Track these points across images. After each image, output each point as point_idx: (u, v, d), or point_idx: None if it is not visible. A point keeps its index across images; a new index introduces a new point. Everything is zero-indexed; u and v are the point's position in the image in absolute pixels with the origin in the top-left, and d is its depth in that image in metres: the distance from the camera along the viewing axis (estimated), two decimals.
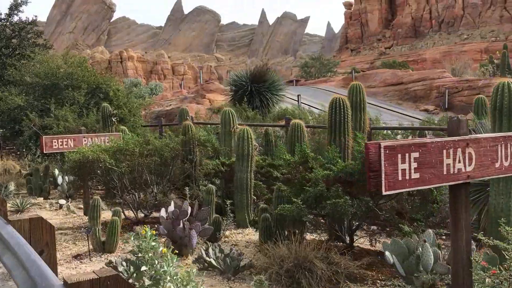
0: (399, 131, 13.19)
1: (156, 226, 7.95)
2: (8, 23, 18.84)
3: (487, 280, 3.34)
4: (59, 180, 10.58)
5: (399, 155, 2.58)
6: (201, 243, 6.66)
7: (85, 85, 14.41)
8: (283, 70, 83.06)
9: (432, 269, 4.18)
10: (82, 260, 6.09)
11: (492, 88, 4.80)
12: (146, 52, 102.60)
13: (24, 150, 13.88)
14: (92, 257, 6.19)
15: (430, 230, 4.29)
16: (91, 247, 6.29)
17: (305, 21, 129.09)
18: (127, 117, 14.50)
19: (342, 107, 7.51)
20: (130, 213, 8.41)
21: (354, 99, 7.73)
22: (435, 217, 5.67)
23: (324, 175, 5.50)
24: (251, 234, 7.49)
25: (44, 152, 8.69)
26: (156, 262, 3.99)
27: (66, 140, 8.66)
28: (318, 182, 5.51)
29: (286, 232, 6.17)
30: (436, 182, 2.83)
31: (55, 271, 4.06)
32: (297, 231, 6.60)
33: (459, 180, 3.00)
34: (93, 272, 2.45)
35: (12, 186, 11.34)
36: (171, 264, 3.60)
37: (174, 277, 3.61)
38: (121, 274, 4.00)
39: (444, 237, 5.83)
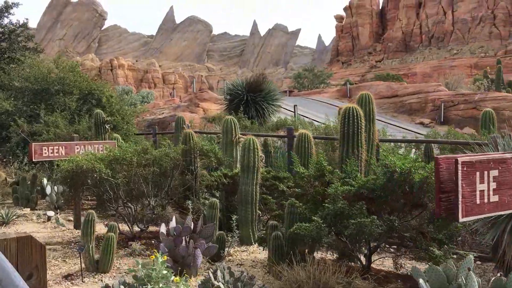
0: (402, 144, 12.81)
1: (153, 242, 7.39)
2: None
3: None
4: (48, 190, 9.94)
5: (477, 173, 2.12)
6: (204, 262, 6.13)
7: (77, 90, 13.82)
8: (274, 81, 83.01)
9: None
10: (73, 281, 5.50)
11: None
12: (137, 61, 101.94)
13: (11, 157, 13.18)
14: (84, 277, 5.60)
15: (471, 256, 3.82)
16: (83, 266, 5.71)
17: (296, 33, 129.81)
18: (120, 124, 13.92)
19: (355, 117, 7.10)
20: (124, 227, 7.83)
21: (363, 109, 7.35)
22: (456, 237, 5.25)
23: (345, 191, 5.03)
24: (257, 252, 6.97)
25: (33, 160, 8.09)
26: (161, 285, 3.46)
27: (57, 147, 8.07)
28: (337, 198, 5.03)
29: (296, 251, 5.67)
30: None
31: None
32: (307, 250, 6.13)
33: None
34: None
35: None
36: None
37: None
38: None
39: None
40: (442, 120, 25.00)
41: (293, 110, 24.89)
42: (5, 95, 14.10)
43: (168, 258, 5.76)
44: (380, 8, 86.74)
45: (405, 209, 4.97)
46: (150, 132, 17.87)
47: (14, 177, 14.33)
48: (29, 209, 10.24)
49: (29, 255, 3.90)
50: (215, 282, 4.79)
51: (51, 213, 9.09)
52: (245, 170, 7.32)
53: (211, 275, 4.92)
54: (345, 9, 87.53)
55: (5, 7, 18.03)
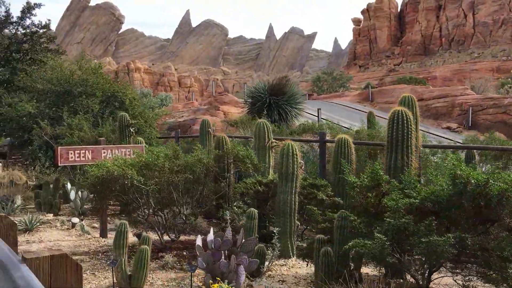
0: (439, 150, 12.15)
1: (184, 253, 6.93)
2: (20, 27, 18.02)
3: None
4: (72, 195, 9.58)
5: None
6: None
7: (100, 92, 13.50)
8: None
9: None
10: None
11: None
12: (153, 64, 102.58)
13: (32, 160, 12.90)
14: None
15: None
16: (115, 281, 5.27)
17: (312, 36, 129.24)
18: (142, 128, 13.56)
19: (405, 121, 6.57)
20: (152, 236, 7.39)
21: None
22: None
23: (406, 204, 4.49)
24: (297, 267, 6.46)
25: (60, 165, 7.72)
26: None
27: (84, 151, 7.68)
28: (398, 212, 4.50)
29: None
30: None
31: None
32: (352, 265, 5.60)
33: None
34: None
35: (19, 200, 10.34)
36: None
37: None
38: None
39: None
40: (470, 125, 24.15)
41: (314, 114, 24.33)
42: (27, 97, 13.87)
43: (207, 274, 5.31)
44: (399, 11, 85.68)
45: (477, 224, 4.41)
46: (172, 135, 17.50)
47: (34, 180, 14.08)
48: (52, 214, 9.89)
49: (63, 276, 3.43)
50: None
51: (75, 219, 8.71)
52: (284, 177, 6.82)
53: None
54: (362, 12, 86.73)
55: (27, 8, 17.89)
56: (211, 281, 5.04)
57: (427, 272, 5.06)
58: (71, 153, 7.52)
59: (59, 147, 7.50)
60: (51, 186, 10.69)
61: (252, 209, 6.29)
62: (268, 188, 7.56)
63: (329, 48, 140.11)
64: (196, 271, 5.54)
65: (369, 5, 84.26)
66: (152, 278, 5.78)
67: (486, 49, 70.88)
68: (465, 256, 4.69)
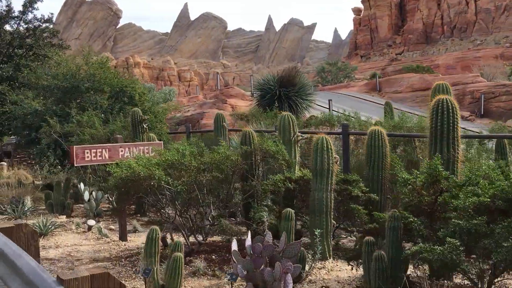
0: (474, 141, 11.59)
1: (213, 257, 6.48)
2: (22, 22, 17.43)
3: None
4: (86, 196, 9.11)
5: None
6: None
7: (108, 88, 12.99)
8: None
9: None
10: None
11: None
12: (152, 59, 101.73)
13: (40, 159, 12.41)
14: None
15: None
16: None
17: (311, 27, 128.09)
18: (153, 123, 13.07)
19: (450, 110, 6.12)
20: (176, 238, 6.93)
21: None
22: None
23: (475, 202, 4.03)
24: (336, 270, 6.01)
25: (76, 165, 7.24)
26: None
27: (100, 150, 7.20)
28: (466, 212, 4.03)
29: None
30: None
31: None
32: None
33: None
34: None
35: (28, 202, 9.89)
36: None
37: None
38: None
39: None
40: (482, 113, 23.66)
41: (323, 106, 23.83)
42: (33, 94, 13.35)
43: (248, 283, 4.85)
44: None
45: None
46: (180, 131, 17.01)
47: (41, 179, 13.60)
48: (64, 216, 9.45)
49: None
50: None
51: (92, 222, 8.26)
52: (318, 174, 6.34)
53: None
54: (363, 1, 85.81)
55: (29, 2, 17.28)
56: None
57: (488, 275, 4.61)
58: (87, 152, 7.04)
59: (74, 146, 7.01)
60: (62, 186, 10.23)
61: (288, 209, 5.82)
62: (298, 185, 7.10)
63: (329, 39, 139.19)
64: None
65: None
66: (185, 286, 5.33)
67: (489, 36, 70.16)
68: None
